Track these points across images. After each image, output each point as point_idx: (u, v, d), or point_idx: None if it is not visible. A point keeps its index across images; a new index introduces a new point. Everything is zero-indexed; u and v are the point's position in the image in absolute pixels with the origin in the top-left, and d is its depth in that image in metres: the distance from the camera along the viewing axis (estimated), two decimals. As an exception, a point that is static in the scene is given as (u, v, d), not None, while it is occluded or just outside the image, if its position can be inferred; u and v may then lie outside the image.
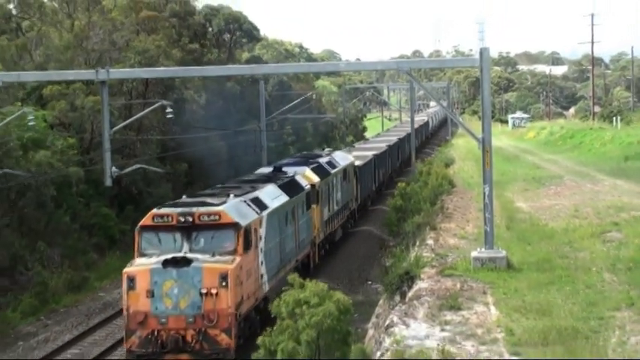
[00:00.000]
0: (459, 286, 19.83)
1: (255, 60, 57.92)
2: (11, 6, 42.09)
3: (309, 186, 31.29)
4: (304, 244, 30.10)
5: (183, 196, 24.28)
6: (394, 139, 65.84)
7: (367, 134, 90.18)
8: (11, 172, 29.35)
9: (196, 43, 49.92)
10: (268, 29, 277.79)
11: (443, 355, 14.44)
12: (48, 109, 35.75)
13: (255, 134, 44.51)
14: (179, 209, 21.51)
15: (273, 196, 26.30)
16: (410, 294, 20.15)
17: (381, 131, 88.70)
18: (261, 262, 23.49)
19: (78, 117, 36.21)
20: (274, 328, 17.39)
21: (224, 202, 22.33)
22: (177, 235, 21.03)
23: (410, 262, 23.45)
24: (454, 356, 14.52)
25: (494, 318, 16.88)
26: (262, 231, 23.69)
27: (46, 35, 40.77)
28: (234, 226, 21.23)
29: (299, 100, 54.45)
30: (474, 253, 22.00)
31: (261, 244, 23.53)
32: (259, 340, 17.49)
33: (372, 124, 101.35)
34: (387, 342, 16.29)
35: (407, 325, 16.90)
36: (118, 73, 28.87)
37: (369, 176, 49.14)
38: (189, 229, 21.04)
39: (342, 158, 41.66)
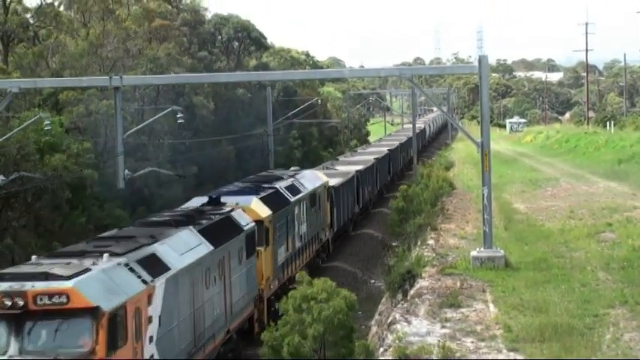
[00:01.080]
0: (458, 284, 19.97)
1: (263, 67, 58.12)
2: (28, 15, 42.80)
3: (252, 224, 22.65)
4: (242, 305, 21.57)
5: (33, 257, 15.65)
6: (384, 150, 59.76)
7: (370, 138, 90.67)
8: (27, 175, 29.99)
9: (206, 51, 50.44)
10: (276, 38, 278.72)
11: (444, 350, 14.62)
12: (64, 114, 36.34)
13: (263, 138, 45.01)
14: (5, 285, 13.54)
15: (184, 248, 17.89)
16: (412, 292, 20.38)
17: (382, 136, 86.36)
18: (152, 357, 15.37)
19: (92, 122, 36.55)
20: (278, 322, 17.49)
21: (81, 272, 13.92)
22: (2, 328, 13.42)
23: (412, 261, 23.91)
24: (454, 352, 14.71)
25: (493, 315, 17.14)
26: (154, 309, 15.43)
27: (62, 43, 41.10)
28: (92, 312, 13.36)
29: (305, 105, 54.86)
30: (473, 253, 22.17)
31: (151, 331, 15.28)
32: (262, 335, 17.43)
33: (375, 129, 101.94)
34: (390, 338, 16.52)
35: (409, 322, 17.15)
36: (130, 79, 29.11)
37: (350, 197, 41.43)
38: (19, 319, 13.38)
39: (311, 179, 33.38)
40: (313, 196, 32.19)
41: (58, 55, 40.96)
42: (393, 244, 34.92)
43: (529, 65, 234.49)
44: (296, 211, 28.86)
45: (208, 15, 58.06)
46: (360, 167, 46.22)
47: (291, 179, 30.95)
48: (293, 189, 29.74)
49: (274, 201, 26.37)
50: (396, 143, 66.98)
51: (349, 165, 47.40)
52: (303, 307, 17.07)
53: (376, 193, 52.34)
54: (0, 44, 40.47)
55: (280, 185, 28.84)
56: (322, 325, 16.71)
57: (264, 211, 24.65)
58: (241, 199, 24.59)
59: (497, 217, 28.07)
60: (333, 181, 38.11)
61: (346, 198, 40.21)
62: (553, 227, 27.69)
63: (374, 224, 46.36)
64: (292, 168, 37.39)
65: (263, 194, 26.14)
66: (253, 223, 23.01)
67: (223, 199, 24.16)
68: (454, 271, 21.58)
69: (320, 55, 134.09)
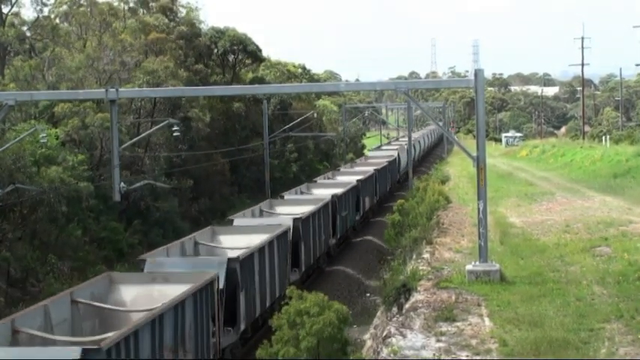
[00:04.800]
0: (454, 298, 19.90)
1: (259, 80, 58.09)
2: (25, 28, 42.96)
3: None
4: None
5: None
6: (370, 169, 50.78)
7: (366, 152, 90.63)
8: (23, 187, 30.14)
9: (202, 64, 50.49)
10: (272, 51, 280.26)
11: (439, 364, 14.59)
12: (60, 126, 36.43)
13: (259, 151, 44.88)
14: None
15: None
16: (407, 306, 20.32)
17: (369, 150, 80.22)
18: None
19: (88, 134, 36.63)
20: (272, 338, 17.59)
21: None
22: None
23: (407, 275, 23.73)
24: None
25: (488, 329, 17.05)
26: None
27: (59, 56, 41.14)
28: None
29: (301, 119, 54.79)
30: (468, 267, 22.12)
31: None
32: (258, 352, 17.69)
33: (372, 142, 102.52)
34: (385, 352, 16.45)
35: (404, 336, 17.07)
36: (126, 92, 29.01)
37: (323, 227, 34.08)
38: None
39: None
40: None
41: (55, 68, 41.00)
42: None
43: (525, 79, 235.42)
44: None
45: (204, 28, 58.35)
46: (338, 190, 40.14)
47: None
48: None
49: None
50: (384, 162, 59.78)
51: (326, 188, 41.73)
52: (297, 322, 17.26)
53: (360, 218, 46.23)
54: (-3, 57, 40.69)
55: None
56: (315, 338, 16.87)
57: None
58: None
59: (492, 231, 28.04)
60: (302, 210, 32.57)
61: (318, 229, 34.00)
62: (548, 241, 27.63)
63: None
64: None
65: None
66: None
67: None
68: (449, 284, 21.51)
69: (316, 68, 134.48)
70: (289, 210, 34.20)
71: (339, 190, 40.54)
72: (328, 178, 49.47)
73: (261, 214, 33.99)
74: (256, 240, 26.24)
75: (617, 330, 16.79)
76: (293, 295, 18.07)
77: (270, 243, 26.66)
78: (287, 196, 39.28)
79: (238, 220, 30.77)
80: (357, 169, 55.65)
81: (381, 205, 54.81)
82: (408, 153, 60.44)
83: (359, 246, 43.42)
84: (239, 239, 27.11)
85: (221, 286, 21.27)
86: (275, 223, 29.62)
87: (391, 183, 62.62)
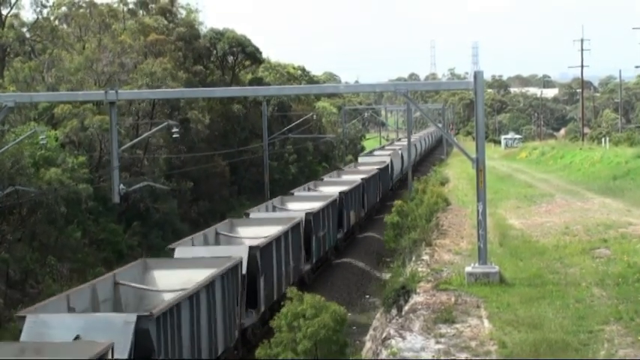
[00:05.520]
0: (453, 300, 19.92)
1: (258, 82, 58.25)
2: (25, 29, 43.07)
3: None
4: None
5: None
6: (357, 178, 45.92)
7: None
8: (23, 189, 30.21)
9: (201, 65, 50.53)
10: (272, 52, 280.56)
11: (438, 365, 14.60)
12: (59, 128, 36.53)
13: (258, 153, 44.80)
14: None
15: None
16: (406, 307, 20.35)
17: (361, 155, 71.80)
18: None
19: (87, 136, 36.70)
20: (271, 340, 17.67)
21: None
22: None
23: (406, 276, 23.88)
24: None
25: (488, 331, 17.12)
26: None
27: (58, 58, 41.25)
28: None
29: (300, 120, 54.69)
30: (468, 269, 22.12)
31: None
32: (257, 352, 17.75)
33: (371, 144, 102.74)
34: (384, 354, 16.51)
35: (403, 338, 17.06)
36: (126, 94, 28.92)
37: (294, 250, 29.26)
38: None
39: None
40: None
41: (54, 70, 41.03)
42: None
43: (524, 81, 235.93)
44: None
45: (204, 30, 58.53)
46: (315, 205, 34.99)
47: None
48: None
49: None
50: (374, 169, 54.07)
51: (303, 202, 36.94)
52: (295, 325, 17.28)
53: (343, 236, 40.65)
54: (-4, 58, 40.79)
55: None
56: (310, 341, 16.89)
57: None
58: None
59: (492, 233, 27.99)
60: (266, 232, 27.72)
61: (285, 256, 28.19)
62: (548, 243, 27.65)
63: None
64: None
65: None
66: None
67: None
68: (449, 286, 21.53)
69: (316, 70, 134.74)
70: (251, 232, 28.66)
71: (315, 205, 35.11)
72: (309, 189, 43.37)
73: (217, 238, 28.01)
74: (199, 277, 20.34)
75: (617, 332, 16.81)
76: (293, 296, 18.03)
77: (210, 285, 20.19)
78: (253, 214, 32.84)
79: (181, 250, 24.48)
80: (343, 177, 50.76)
81: (370, 217, 50.14)
82: (408, 155, 59.95)
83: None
84: (178, 276, 21.48)
85: (123, 356, 15.63)
86: (223, 255, 23.08)
87: (382, 192, 56.72)
